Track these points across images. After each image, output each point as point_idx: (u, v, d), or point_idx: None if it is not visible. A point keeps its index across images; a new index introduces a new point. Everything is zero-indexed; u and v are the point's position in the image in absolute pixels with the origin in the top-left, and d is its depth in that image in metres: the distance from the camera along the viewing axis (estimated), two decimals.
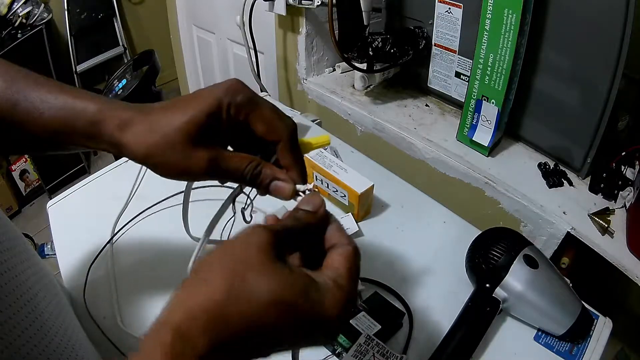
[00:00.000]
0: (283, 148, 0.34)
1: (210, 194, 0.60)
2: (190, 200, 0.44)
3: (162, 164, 0.33)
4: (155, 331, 0.24)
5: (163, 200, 0.71)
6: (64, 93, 0.33)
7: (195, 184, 0.39)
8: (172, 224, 0.66)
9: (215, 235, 0.38)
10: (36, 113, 0.33)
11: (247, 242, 0.27)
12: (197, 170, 0.33)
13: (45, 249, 1.84)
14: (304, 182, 0.35)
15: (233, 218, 0.39)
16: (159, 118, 0.33)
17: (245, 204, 0.39)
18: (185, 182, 0.42)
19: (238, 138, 0.35)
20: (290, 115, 0.36)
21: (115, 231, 0.66)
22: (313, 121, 0.97)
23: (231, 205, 0.38)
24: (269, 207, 0.63)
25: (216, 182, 0.35)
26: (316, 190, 0.35)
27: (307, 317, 0.26)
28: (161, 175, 0.34)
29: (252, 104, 0.33)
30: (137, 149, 0.32)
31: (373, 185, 0.67)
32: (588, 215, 0.78)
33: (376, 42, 0.95)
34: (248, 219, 0.39)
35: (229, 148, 0.36)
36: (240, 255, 0.26)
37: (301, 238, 0.31)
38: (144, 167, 0.62)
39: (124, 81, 1.56)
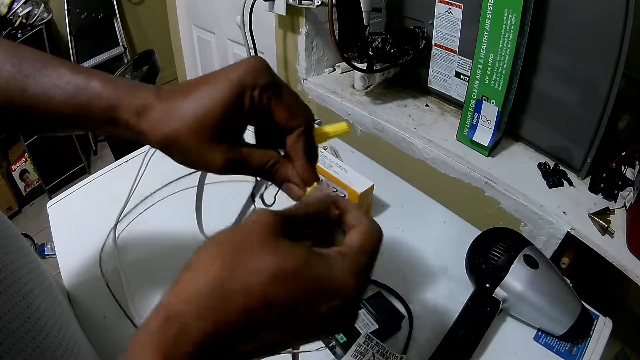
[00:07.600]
0: (298, 137, 0.33)
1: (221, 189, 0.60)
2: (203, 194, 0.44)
3: (178, 154, 0.32)
4: (148, 320, 0.23)
5: (162, 198, 0.71)
6: (76, 76, 0.32)
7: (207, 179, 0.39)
8: (173, 222, 0.67)
9: None
10: (46, 98, 0.31)
11: (251, 222, 0.26)
12: (214, 166, 0.32)
13: (45, 249, 1.84)
14: (315, 174, 0.34)
15: (254, 207, 0.38)
16: (176, 105, 0.31)
17: (263, 188, 0.38)
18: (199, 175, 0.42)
19: (256, 123, 0.34)
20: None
21: (116, 230, 0.66)
22: None
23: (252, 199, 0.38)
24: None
25: (225, 178, 0.35)
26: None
27: (316, 288, 0.24)
28: (178, 162, 0.33)
29: (276, 87, 0.32)
30: (154, 137, 0.32)
31: (373, 185, 0.67)
32: (588, 215, 0.78)
33: (376, 42, 0.95)
34: (269, 202, 0.38)
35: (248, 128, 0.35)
36: (242, 236, 0.25)
37: (311, 224, 0.29)
38: (143, 167, 0.61)
39: None
